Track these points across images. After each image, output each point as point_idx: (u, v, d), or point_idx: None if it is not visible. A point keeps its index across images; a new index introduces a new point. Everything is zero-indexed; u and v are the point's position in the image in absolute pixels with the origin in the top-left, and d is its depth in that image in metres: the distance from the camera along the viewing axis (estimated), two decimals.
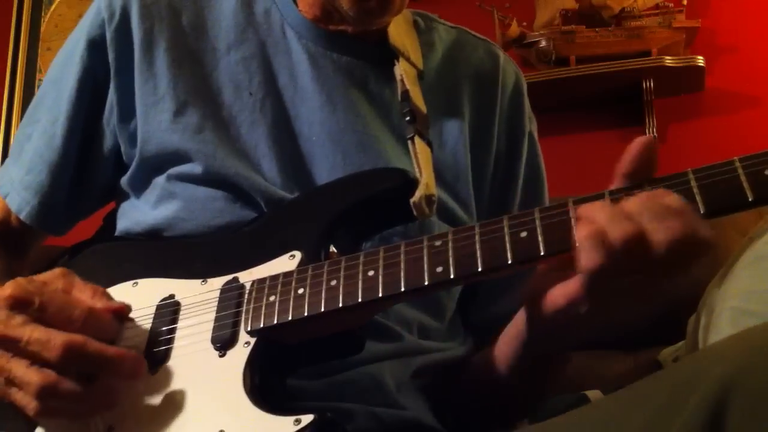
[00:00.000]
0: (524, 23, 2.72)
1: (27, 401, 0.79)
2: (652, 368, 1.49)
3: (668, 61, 2.53)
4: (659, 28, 2.59)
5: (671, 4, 2.63)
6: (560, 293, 0.75)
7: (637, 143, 0.72)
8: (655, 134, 2.57)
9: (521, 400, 0.99)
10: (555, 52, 2.61)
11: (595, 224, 0.69)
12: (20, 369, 0.78)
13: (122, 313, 0.86)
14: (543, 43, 2.64)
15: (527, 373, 0.91)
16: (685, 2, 2.62)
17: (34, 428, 0.85)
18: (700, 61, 2.54)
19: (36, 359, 0.78)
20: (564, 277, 0.75)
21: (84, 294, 0.84)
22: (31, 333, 0.78)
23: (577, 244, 0.69)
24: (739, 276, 1.22)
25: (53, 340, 0.78)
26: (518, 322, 0.88)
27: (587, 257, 0.68)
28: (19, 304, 0.80)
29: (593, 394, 1.33)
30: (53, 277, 0.85)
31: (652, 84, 2.57)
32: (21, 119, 1.24)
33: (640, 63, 2.56)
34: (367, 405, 0.91)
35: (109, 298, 0.86)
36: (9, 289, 0.81)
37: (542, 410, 0.98)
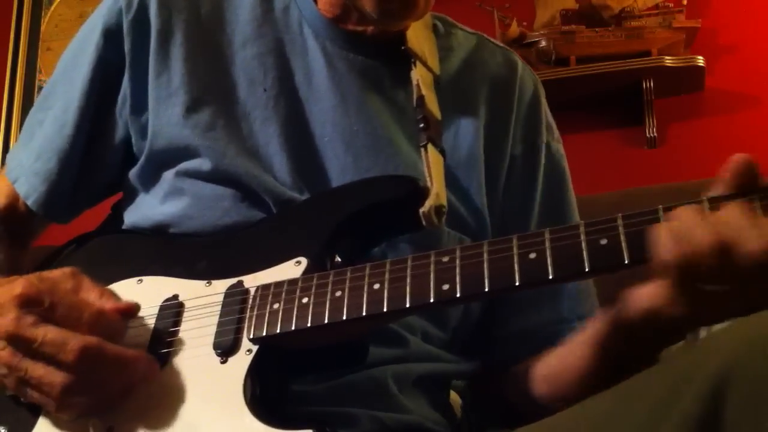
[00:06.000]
0: (524, 23, 2.72)
1: (46, 401, 0.80)
2: None
3: (668, 61, 2.53)
4: (659, 28, 2.58)
5: (671, 4, 2.63)
6: (645, 292, 0.73)
7: (734, 162, 0.69)
8: (654, 134, 2.57)
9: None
10: (555, 52, 2.61)
11: (680, 221, 0.68)
12: (38, 370, 0.78)
13: (130, 312, 0.86)
14: (543, 43, 2.64)
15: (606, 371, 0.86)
16: (685, 2, 2.61)
17: (34, 424, 0.85)
18: (700, 61, 2.54)
19: (51, 360, 0.78)
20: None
21: (91, 295, 0.84)
22: (45, 334, 0.78)
23: (655, 236, 0.68)
24: None
25: (69, 342, 0.78)
26: (596, 324, 0.86)
27: (664, 249, 0.67)
28: (29, 303, 0.80)
29: None
30: (62, 277, 0.85)
31: (652, 84, 2.56)
32: (21, 119, 1.23)
33: (640, 63, 2.55)
34: (371, 409, 0.90)
35: (117, 298, 0.87)
36: (19, 287, 0.81)
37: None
